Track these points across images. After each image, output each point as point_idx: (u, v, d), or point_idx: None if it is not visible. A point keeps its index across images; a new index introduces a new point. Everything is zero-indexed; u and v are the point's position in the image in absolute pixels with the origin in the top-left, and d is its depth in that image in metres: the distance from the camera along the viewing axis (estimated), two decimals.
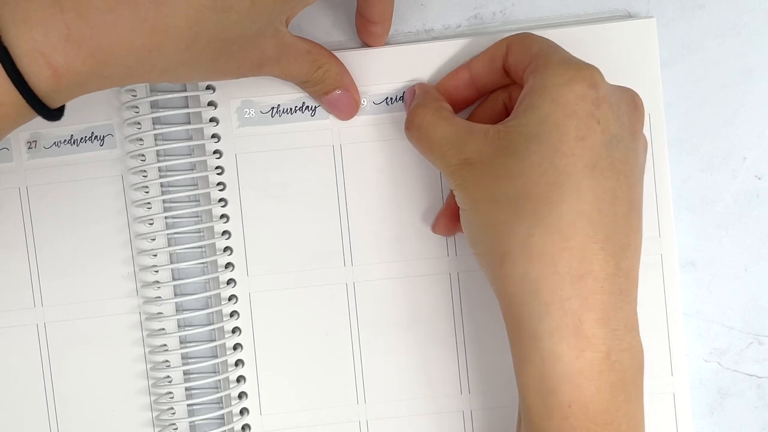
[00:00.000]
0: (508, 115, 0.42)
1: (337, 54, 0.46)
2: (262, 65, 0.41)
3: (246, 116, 0.47)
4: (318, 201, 0.47)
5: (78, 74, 0.35)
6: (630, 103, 0.40)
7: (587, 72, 0.38)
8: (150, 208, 0.47)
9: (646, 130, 0.46)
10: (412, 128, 0.43)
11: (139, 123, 0.46)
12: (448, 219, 0.46)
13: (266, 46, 0.40)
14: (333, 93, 0.45)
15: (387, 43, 0.48)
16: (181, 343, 0.47)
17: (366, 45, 0.47)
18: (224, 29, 0.36)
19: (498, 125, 0.39)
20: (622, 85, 0.40)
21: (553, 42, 0.41)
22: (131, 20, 0.34)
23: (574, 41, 0.46)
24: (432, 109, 0.42)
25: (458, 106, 0.45)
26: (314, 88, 0.45)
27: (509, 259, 0.37)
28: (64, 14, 0.34)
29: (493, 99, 0.45)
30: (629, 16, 0.47)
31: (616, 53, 0.46)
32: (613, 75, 0.46)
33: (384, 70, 0.46)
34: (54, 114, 0.36)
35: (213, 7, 0.35)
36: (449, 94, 0.45)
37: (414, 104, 0.43)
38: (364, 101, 0.47)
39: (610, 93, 0.38)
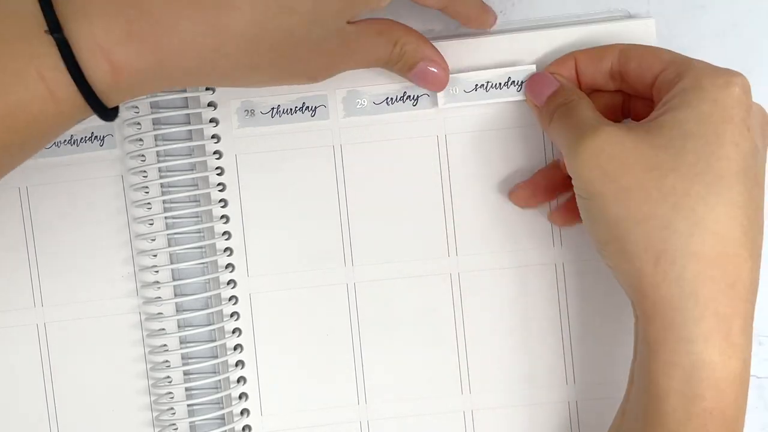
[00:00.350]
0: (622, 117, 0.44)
1: None
2: (334, 65, 0.41)
3: (246, 117, 0.47)
4: (318, 201, 0.47)
5: (137, 72, 0.34)
6: (764, 115, 0.40)
7: (741, 78, 0.38)
8: (150, 208, 0.47)
9: None
10: (561, 106, 0.42)
11: (139, 123, 0.46)
12: (529, 190, 0.46)
13: (332, 46, 0.39)
14: (417, 66, 0.44)
15: None
16: (181, 343, 0.47)
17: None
18: (287, 32, 0.36)
19: (643, 122, 0.39)
20: None
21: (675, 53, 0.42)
22: (193, 19, 0.34)
23: (574, 41, 0.46)
24: (588, 101, 0.42)
25: None
26: (397, 66, 0.44)
27: (666, 258, 0.36)
28: (126, 11, 0.34)
29: (610, 100, 0.45)
30: (629, 16, 0.47)
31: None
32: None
33: (383, 71, 0.46)
34: (109, 113, 0.36)
35: (276, 7, 0.35)
36: None
37: (570, 92, 0.43)
38: (364, 101, 0.47)
39: (753, 103, 0.39)
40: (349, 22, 0.39)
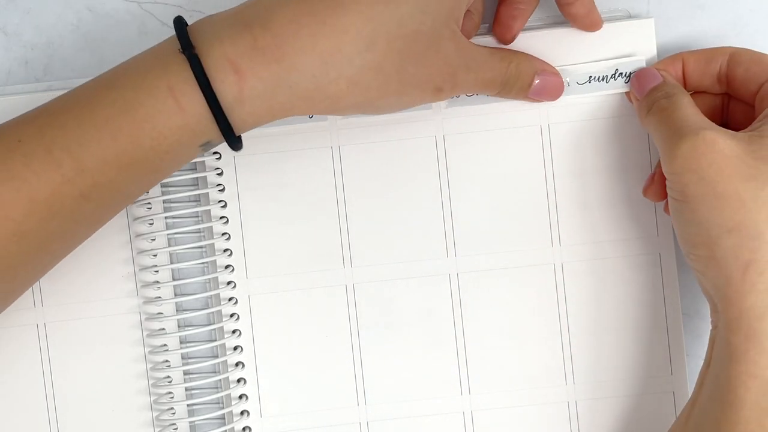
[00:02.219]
0: (721, 122, 0.43)
1: None
2: (455, 75, 0.40)
3: None
4: (317, 202, 0.47)
5: (262, 80, 0.36)
6: None
7: None
8: (150, 208, 0.47)
9: (645, 131, 0.46)
10: (663, 102, 0.42)
11: None
12: (661, 185, 0.45)
13: (448, 50, 0.39)
14: (534, 83, 0.44)
15: None
16: (181, 343, 0.48)
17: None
18: (399, 24, 0.37)
19: (745, 131, 0.39)
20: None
21: None
22: (311, 26, 0.36)
23: (574, 41, 0.46)
24: (689, 98, 0.42)
25: None
26: (515, 87, 0.44)
27: (756, 268, 0.36)
28: (252, 29, 0.36)
29: (710, 101, 0.45)
30: (629, 16, 0.47)
31: (614, 52, 0.46)
32: (610, 74, 0.46)
33: None
34: (234, 138, 0.38)
35: (383, 1, 0.36)
36: None
37: (671, 87, 0.42)
38: None
39: None
40: (460, 31, 0.40)
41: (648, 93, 0.43)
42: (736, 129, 0.40)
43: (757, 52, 0.43)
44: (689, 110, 0.40)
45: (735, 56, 0.43)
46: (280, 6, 0.37)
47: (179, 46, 0.36)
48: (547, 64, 0.45)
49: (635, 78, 0.45)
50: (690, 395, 0.46)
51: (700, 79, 0.44)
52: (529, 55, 0.45)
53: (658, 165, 0.43)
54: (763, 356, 0.36)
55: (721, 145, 0.38)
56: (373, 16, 0.36)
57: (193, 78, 0.36)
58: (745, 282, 0.37)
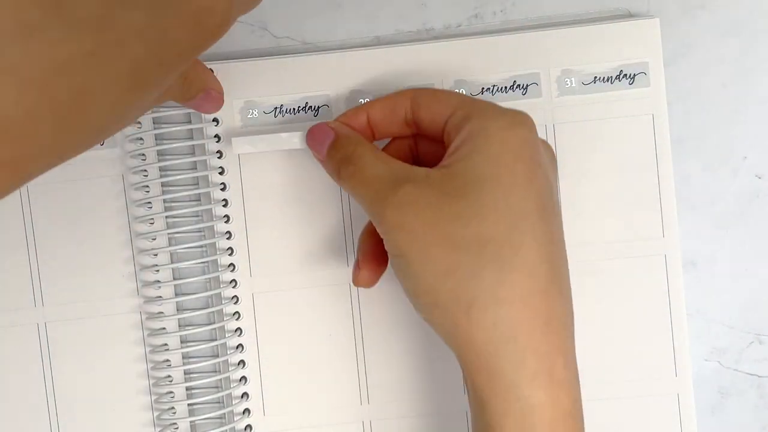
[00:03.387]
0: (413, 160, 0.43)
1: (338, 54, 0.46)
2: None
3: (249, 116, 0.47)
4: (321, 201, 0.47)
5: None
6: (551, 151, 0.40)
7: (524, 116, 0.38)
8: (151, 207, 0.47)
9: (650, 132, 0.46)
10: (348, 167, 0.40)
11: (139, 122, 0.46)
12: (371, 270, 0.43)
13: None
14: (197, 97, 0.42)
15: (387, 43, 0.48)
16: (181, 342, 0.47)
17: None
18: None
19: (440, 169, 0.38)
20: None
21: (463, 94, 0.41)
22: None
23: (579, 41, 0.46)
24: (369, 149, 0.40)
25: None
26: (182, 97, 0.41)
27: (478, 306, 0.35)
28: None
29: (398, 146, 0.44)
30: (629, 16, 0.47)
31: (618, 53, 0.46)
32: (614, 75, 0.46)
33: (386, 70, 0.46)
34: None
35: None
36: None
37: (346, 145, 0.41)
38: (366, 101, 0.46)
39: (538, 138, 0.39)
40: None
41: (327, 154, 0.42)
42: (430, 164, 0.39)
43: (436, 90, 0.42)
44: (377, 167, 0.39)
45: (415, 99, 0.41)
46: None
47: None
48: (215, 81, 0.43)
49: (308, 138, 0.43)
50: (694, 398, 0.46)
51: (389, 127, 0.43)
52: (204, 68, 0.43)
53: (359, 250, 0.43)
54: (510, 392, 0.35)
55: (420, 196, 0.37)
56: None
57: None
58: (471, 322, 0.36)
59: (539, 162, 0.37)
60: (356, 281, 0.43)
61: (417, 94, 0.42)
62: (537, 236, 0.36)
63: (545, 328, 0.36)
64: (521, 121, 0.38)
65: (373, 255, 0.42)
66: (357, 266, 0.43)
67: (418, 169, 0.38)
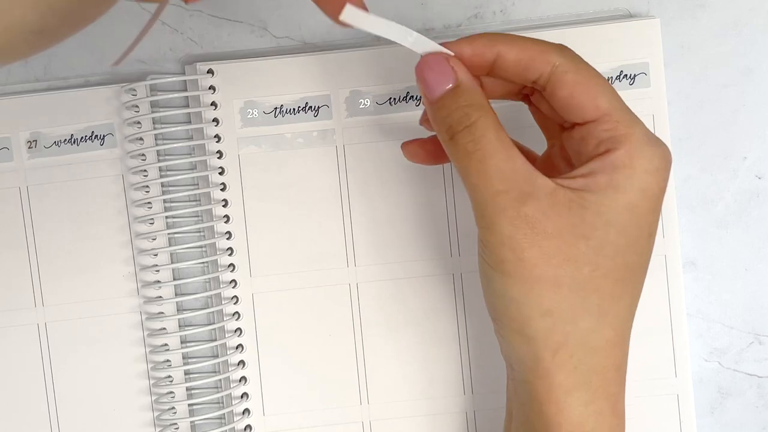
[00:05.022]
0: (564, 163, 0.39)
1: (338, 54, 0.46)
2: None
3: (249, 116, 0.47)
4: (321, 201, 0.47)
5: None
6: None
7: (669, 157, 0.36)
8: (150, 207, 0.47)
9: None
10: (466, 140, 0.35)
11: (139, 122, 0.46)
12: (422, 149, 0.41)
13: None
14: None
15: (387, 43, 0.47)
16: (182, 342, 0.47)
17: None
18: None
19: (567, 190, 0.35)
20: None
21: (614, 89, 0.36)
22: None
23: (579, 41, 0.46)
24: (494, 128, 0.35)
25: None
26: None
27: (565, 351, 0.35)
28: None
29: (549, 154, 0.41)
30: (629, 16, 0.47)
31: (618, 53, 0.46)
32: (615, 75, 0.46)
33: (386, 70, 0.46)
34: None
35: None
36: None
37: (466, 105, 0.35)
38: (366, 101, 0.47)
39: None
40: None
41: (439, 102, 0.36)
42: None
43: (590, 77, 0.36)
44: (502, 162, 0.34)
45: (560, 76, 0.36)
46: None
47: None
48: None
49: (423, 67, 0.36)
50: (693, 397, 0.46)
51: (512, 80, 0.37)
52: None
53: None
54: (573, 425, 0.36)
55: (542, 220, 0.34)
56: None
57: None
58: (555, 362, 0.35)
59: (660, 211, 0.36)
60: (403, 146, 0.41)
61: (562, 65, 0.35)
62: (636, 291, 0.36)
63: (616, 373, 0.37)
64: (666, 163, 0.35)
65: (432, 148, 0.40)
66: (414, 142, 0.41)
67: (544, 181, 0.35)
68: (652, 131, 0.45)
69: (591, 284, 0.35)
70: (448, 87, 0.36)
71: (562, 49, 0.36)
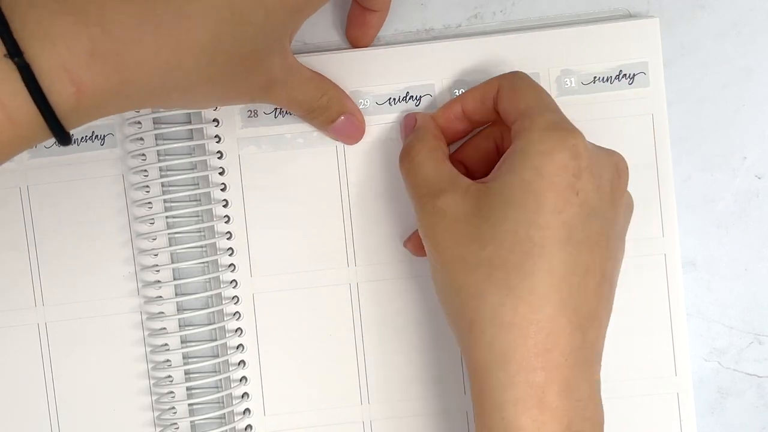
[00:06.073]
0: (498, 155, 0.43)
1: (338, 54, 0.46)
2: (271, 87, 0.40)
3: (249, 117, 0.47)
4: (321, 201, 0.47)
5: (101, 92, 0.33)
6: (612, 169, 0.39)
7: (571, 140, 0.37)
8: (151, 207, 0.47)
9: (649, 131, 0.46)
10: (405, 161, 0.42)
11: (139, 122, 0.46)
12: (418, 244, 0.45)
13: (273, 65, 0.39)
14: (338, 120, 0.45)
15: (387, 43, 0.48)
16: (182, 342, 0.47)
17: (352, 44, 0.47)
18: (241, 43, 0.35)
19: (479, 182, 0.39)
20: (605, 148, 0.40)
21: (542, 93, 0.41)
22: (156, 35, 0.33)
23: (578, 41, 0.46)
24: (428, 148, 0.42)
25: (452, 138, 0.45)
26: (321, 117, 0.45)
27: (478, 327, 0.37)
28: (88, 30, 0.32)
29: (485, 136, 0.45)
30: (629, 16, 0.47)
31: (618, 53, 0.46)
32: (614, 75, 0.46)
33: (386, 71, 0.46)
34: (67, 138, 0.34)
35: (232, 20, 0.34)
36: (443, 126, 0.45)
37: (413, 137, 0.43)
38: (366, 102, 0.47)
39: (593, 161, 0.38)
40: (289, 46, 0.40)
41: (404, 140, 0.44)
42: None
43: (517, 83, 0.42)
44: (427, 168, 0.41)
45: (500, 90, 0.42)
46: (116, 2, 0.32)
47: (3, 50, 0.31)
48: (358, 109, 0.46)
49: (403, 121, 0.46)
50: (693, 398, 0.46)
51: (481, 115, 0.44)
52: (346, 95, 0.46)
53: None
54: (494, 410, 0.36)
55: (454, 210, 0.38)
56: (220, 33, 0.34)
57: (26, 90, 0.31)
58: (471, 339, 0.37)
59: (577, 190, 0.37)
60: (406, 243, 0.47)
61: (502, 83, 0.42)
62: (553, 266, 0.36)
63: (543, 356, 0.36)
64: (565, 145, 0.37)
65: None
66: (413, 235, 0.46)
67: (464, 180, 0.40)
68: (651, 131, 0.46)
69: (496, 259, 0.37)
70: (410, 129, 0.44)
71: (506, 75, 0.43)
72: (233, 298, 0.47)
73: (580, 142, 0.38)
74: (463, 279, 0.37)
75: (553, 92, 0.46)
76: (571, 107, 0.45)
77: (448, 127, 0.45)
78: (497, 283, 0.36)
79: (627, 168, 0.40)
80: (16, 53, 0.31)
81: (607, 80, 0.46)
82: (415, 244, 0.46)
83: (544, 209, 0.36)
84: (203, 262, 0.47)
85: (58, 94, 0.32)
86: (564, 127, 0.38)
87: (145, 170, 0.47)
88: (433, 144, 0.42)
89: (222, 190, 0.47)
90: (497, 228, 0.37)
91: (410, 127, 0.45)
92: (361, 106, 0.46)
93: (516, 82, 0.42)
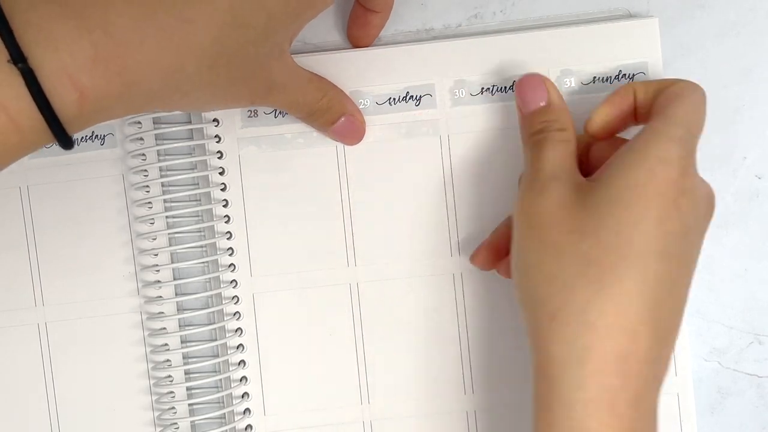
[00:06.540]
0: (580, 166, 0.42)
1: (338, 54, 0.46)
2: (271, 91, 0.40)
3: (249, 117, 0.47)
4: (322, 201, 0.47)
5: (103, 97, 0.33)
6: (708, 201, 0.39)
7: (688, 160, 0.37)
8: (151, 207, 0.47)
9: None
10: (537, 135, 0.41)
11: (139, 122, 0.46)
12: (490, 253, 0.45)
13: (273, 68, 0.39)
14: (339, 121, 0.45)
15: (387, 43, 0.48)
16: (182, 342, 0.47)
17: (353, 43, 0.47)
18: (242, 47, 0.36)
19: (591, 179, 0.39)
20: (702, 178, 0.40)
21: (697, 114, 0.40)
22: (157, 39, 0.33)
23: (578, 41, 0.46)
24: (565, 137, 0.41)
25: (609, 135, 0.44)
26: (321, 119, 0.45)
27: (561, 319, 0.36)
28: (91, 34, 0.32)
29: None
30: (629, 16, 0.47)
31: (617, 53, 0.46)
32: (614, 75, 0.46)
33: (386, 70, 0.46)
34: (69, 142, 0.35)
35: (233, 24, 0.34)
36: (607, 122, 0.43)
37: (560, 114, 0.42)
38: (366, 101, 0.47)
39: (696, 185, 0.38)
40: (289, 49, 0.40)
41: (530, 118, 0.43)
42: None
43: (688, 92, 0.40)
44: (551, 160, 0.40)
45: (671, 87, 0.41)
46: (118, 5, 0.33)
47: (7, 55, 0.31)
48: (358, 110, 0.46)
49: (519, 86, 0.44)
50: (693, 397, 0.46)
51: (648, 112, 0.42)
52: (346, 96, 0.46)
53: (493, 232, 0.45)
54: (562, 408, 0.36)
55: (560, 197, 0.38)
56: (222, 37, 0.34)
57: (29, 95, 0.32)
58: (552, 330, 0.36)
59: (679, 206, 0.37)
60: (473, 258, 0.46)
61: (677, 84, 0.41)
62: (646, 276, 0.36)
63: (620, 362, 0.36)
64: (681, 163, 0.37)
65: (501, 246, 0.45)
66: (478, 248, 0.46)
67: (579, 177, 0.40)
68: None
69: (592, 255, 0.36)
70: (538, 107, 0.43)
71: (689, 82, 0.41)
72: (233, 298, 0.47)
73: (693, 165, 0.38)
74: (557, 268, 0.37)
75: None
76: (571, 107, 0.45)
77: (613, 124, 0.43)
78: (590, 279, 0.36)
79: (715, 204, 0.40)
80: (20, 59, 0.31)
81: (607, 80, 0.46)
82: (485, 255, 0.45)
83: (649, 215, 0.36)
84: (203, 262, 0.47)
85: (62, 100, 0.32)
86: (688, 149, 0.38)
87: (145, 170, 0.47)
88: (568, 136, 0.41)
89: (222, 190, 0.47)
90: (600, 224, 0.36)
91: (534, 95, 0.43)
92: (361, 106, 0.46)
93: (687, 89, 0.41)
